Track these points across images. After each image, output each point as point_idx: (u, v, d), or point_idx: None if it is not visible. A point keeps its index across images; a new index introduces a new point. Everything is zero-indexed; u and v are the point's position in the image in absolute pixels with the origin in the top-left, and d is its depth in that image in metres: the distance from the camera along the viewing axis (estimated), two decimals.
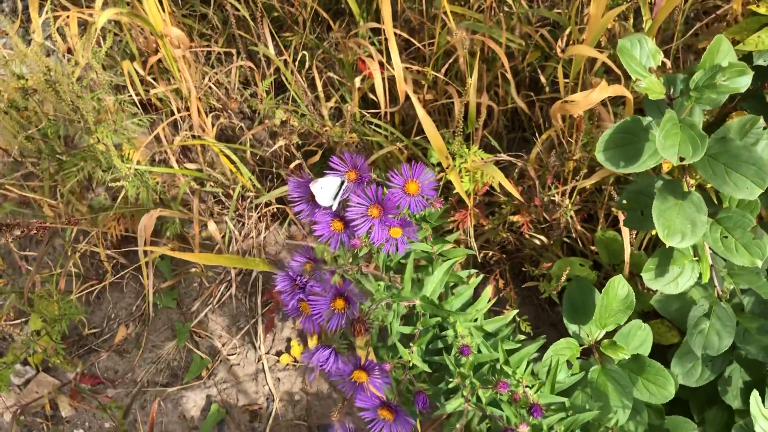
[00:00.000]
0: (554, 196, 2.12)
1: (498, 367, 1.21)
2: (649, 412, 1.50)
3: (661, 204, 1.20)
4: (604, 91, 1.59)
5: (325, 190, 1.26)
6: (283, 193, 2.46)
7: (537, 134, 2.49)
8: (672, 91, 1.16)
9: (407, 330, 1.23)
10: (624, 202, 1.44)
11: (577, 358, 1.41)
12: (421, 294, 1.20)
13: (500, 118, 2.42)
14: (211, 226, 2.21)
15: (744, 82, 1.12)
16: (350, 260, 1.26)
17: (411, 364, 1.18)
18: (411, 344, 1.18)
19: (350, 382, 1.19)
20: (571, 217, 2.07)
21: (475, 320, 1.28)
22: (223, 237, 2.63)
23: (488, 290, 1.33)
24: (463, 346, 1.17)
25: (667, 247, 1.22)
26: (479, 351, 1.25)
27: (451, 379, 1.16)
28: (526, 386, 1.14)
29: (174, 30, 2.01)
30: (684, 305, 1.49)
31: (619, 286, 1.41)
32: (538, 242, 2.20)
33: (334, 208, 1.26)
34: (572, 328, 1.52)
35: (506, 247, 2.33)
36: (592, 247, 2.17)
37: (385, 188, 1.19)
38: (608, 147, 1.22)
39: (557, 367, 1.22)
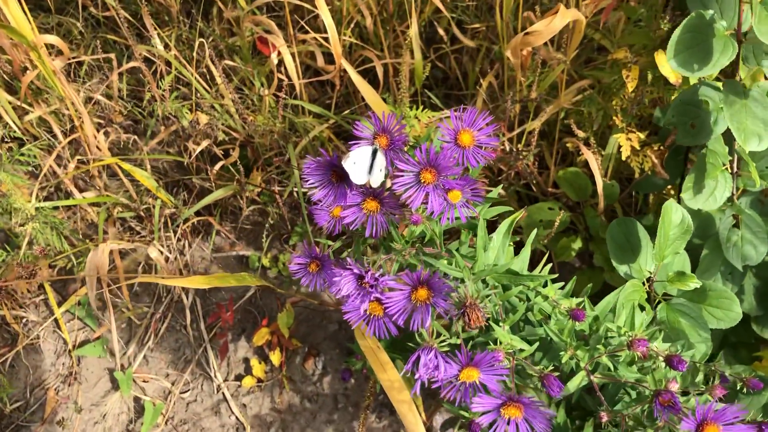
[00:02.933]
0: (503, 145, 2.01)
1: (594, 327, 1.06)
2: None
3: (730, 108, 1.10)
4: (565, 16, 1.47)
5: (359, 164, 1.04)
6: (207, 203, 2.20)
7: (464, 86, 2.37)
8: None
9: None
10: (672, 117, 1.33)
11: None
12: (490, 264, 1.03)
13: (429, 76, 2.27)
14: (153, 253, 1.92)
15: None
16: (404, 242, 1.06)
17: (515, 348, 0.99)
18: (501, 324, 1.00)
19: (457, 385, 0.98)
20: (527, 163, 1.96)
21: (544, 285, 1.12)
22: (140, 264, 2.33)
23: (527, 249, 1.17)
24: (575, 311, 1.01)
25: (697, 162, 1.13)
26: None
27: (562, 353, 0.99)
28: (643, 339, 0.99)
29: (48, 37, 1.70)
30: (702, 223, 1.42)
31: (673, 211, 1.30)
32: (495, 196, 2.08)
33: (374, 184, 1.05)
34: (622, 269, 1.41)
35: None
36: (550, 189, 2.08)
37: (436, 145, 1.00)
38: (678, 50, 1.10)
39: (633, 313, 1.09)
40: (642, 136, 1.76)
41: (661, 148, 1.76)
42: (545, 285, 1.10)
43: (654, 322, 1.31)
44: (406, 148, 1.06)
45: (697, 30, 1.10)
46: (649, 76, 1.69)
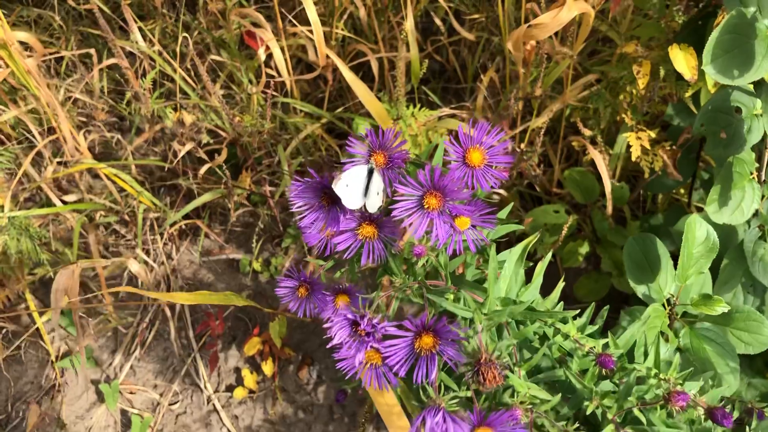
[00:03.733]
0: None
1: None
2: None
3: None
4: (573, 8, 1.37)
5: (352, 187, 0.91)
6: (195, 206, 2.09)
7: (462, 80, 2.27)
8: None
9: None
10: (700, 125, 1.22)
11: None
12: (501, 297, 0.92)
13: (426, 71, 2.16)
14: (134, 266, 1.81)
15: None
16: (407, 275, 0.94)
17: (535, 399, 0.88)
18: (516, 368, 0.89)
19: None
20: (531, 163, 1.86)
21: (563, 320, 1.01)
22: (125, 270, 2.23)
23: (539, 276, 1.06)
24: (602, 357, 0.90)
25: (723, 172, 1.03)
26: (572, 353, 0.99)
27: (587, 403, 0.88)
28: (678, 389, 0.87)
29: (19, 34, 1.59)
30: (723, 235, 1.31)
31: (697, 228, 1.19)
32: (496, 197, 1.98)
33: (371, 209, 0.92)
34: (640, 290, 1.30)
35: None
36: (555, 189, 1.98)
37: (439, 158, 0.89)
38: (716, 55, 0.98)
39: (658, 346, 0.99)
40: (653, 134, 1.66)
41: (673, 147, 1.66)
42: (564, 319, 1.00)
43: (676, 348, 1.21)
44: (406, 165, 0.94)
45: (738, 30, 0.98)
46: (661, 72, 1.58)
